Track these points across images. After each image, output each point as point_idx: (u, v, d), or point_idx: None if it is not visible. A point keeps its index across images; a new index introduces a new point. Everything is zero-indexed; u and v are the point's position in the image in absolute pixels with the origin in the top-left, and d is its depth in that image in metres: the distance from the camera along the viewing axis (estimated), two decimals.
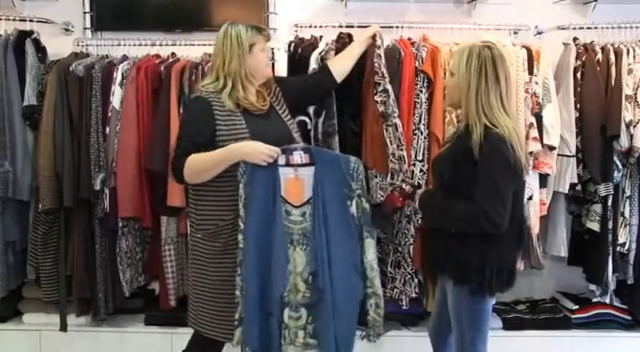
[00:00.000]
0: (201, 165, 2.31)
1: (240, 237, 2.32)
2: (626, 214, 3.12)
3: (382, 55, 2.82)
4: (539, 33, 3.38)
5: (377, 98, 2.81)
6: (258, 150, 2.28)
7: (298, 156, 2.37)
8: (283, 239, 2.33)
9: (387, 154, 2.81)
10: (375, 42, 2.83)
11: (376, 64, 2.82)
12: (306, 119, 2.65)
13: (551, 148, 3.01)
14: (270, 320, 2.34)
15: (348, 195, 2.35)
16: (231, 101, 2.36)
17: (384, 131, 2.80)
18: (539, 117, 2.97)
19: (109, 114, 2.98)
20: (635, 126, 2.99)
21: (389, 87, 2.80)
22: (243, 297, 2.32)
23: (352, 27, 3.13)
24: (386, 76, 2.80)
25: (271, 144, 2.32)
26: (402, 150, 2.81)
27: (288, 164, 2.36)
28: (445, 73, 2.88)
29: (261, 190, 2.33)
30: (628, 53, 3.05)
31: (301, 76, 2.87)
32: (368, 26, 3.13)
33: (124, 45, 3.20)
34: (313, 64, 2.87)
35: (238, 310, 2.33)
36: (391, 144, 2.80)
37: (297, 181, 2.35)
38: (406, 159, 2.83)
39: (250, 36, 2.39)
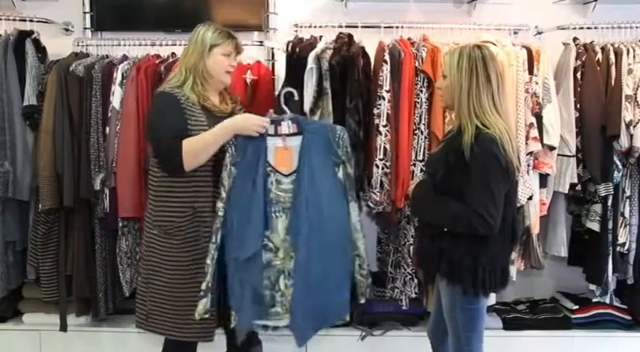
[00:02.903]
0: (199, 144, 2.31)
1: (220, 204, 2.37)
2: (626, 214, 3.12)
3: (388, 70, 2.89)
4: (539, 33, 3.38)
5: (374, 110, 2.91)
6: (250, 122, 2.36)
7: (286, 126, 2.43)
8: (261, 205, 2.36)
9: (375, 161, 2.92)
10: (383, 56, 2.89)
11: (380, 79, 2.89)
12: (293, 90, 2.64)
13: (551, 148, 3.01)
14: (253, 286, 2.37)
15: (334, 161, 2.44)
16: (194, 95, 2.38)
17: (375, 139, 2.91)
18: (539, 117, 2.97)
19: (109, 114, 2.98)
20: (635, 126, 2.99)
21: (386, 104, 2.89)
22: (213, 266, 2.35)
23: (352, 27, 3.13)
24: (388, 91, 2.90)
25: None
26: (385, 168, 2.90)
27: (276, 134, 2.43)
28: None
29: (249, 159, 2.39)
30: (628, 53, 3.05)
31: None
32: (368, 26, 3.15)
33: (124, 45, 3.20)
34: (311, 64, 2.87)
35: (206, 280, 2.35)
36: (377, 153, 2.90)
37: (285, 150, 2.42)
38: (385, 184, 2.91)
39: (214, 37, 2.42)
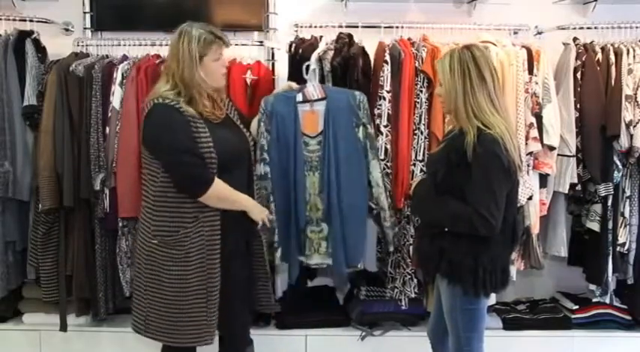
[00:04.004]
0: (227, 197, 2.35)
1: (267, 168, 2.70)
2: (626, 214, 3.12)
3: (389, 71, 2.91)
4: (539, 33, 3.37)
5: (375, 111, 2.91)
6: (261, 214, 2.44)
7: (312, 88, 2.73)
8: (303, 171, 2.72)
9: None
10: (384, 57, 2.89)
11: (381, 79, 2.90)
12: (314, 65, 2.83)
13: (551, 148, 3.01)
14: (290, 238, 2.76)
15: (356, 122, 2.73)
16: (191, 108, 2.32)
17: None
18: (539, 117, 2.97)
19: (109, 114, 2.98)
20: (635, 126, 2.99)
21: (387, 105, 2.91)
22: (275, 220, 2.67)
23: (352, 27, 3.13)
24: (389, 92, 2.92)
25: (233, 151, 2.41)
26: (387, 168, 2.91)
27: (305, 100, 2.72)
28: None
29: (282, 126, 2.68)
30: (628, 53, 3.05)
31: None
32: (368, 26, 3.15)
33: (124, 45, 3.19)
34: (313, 65, 2.86)
35: (276, 232, 2.73)
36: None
37: (312, 114, 2.72)
38: (387, 184, 2.91)
39: (202, 47, 2.33)
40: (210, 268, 2.34)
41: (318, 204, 2.77)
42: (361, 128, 2.74)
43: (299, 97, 2.72)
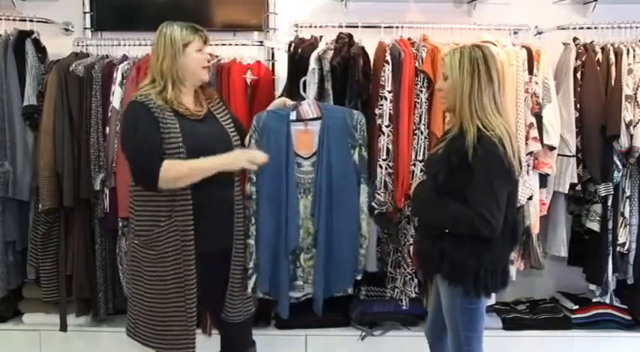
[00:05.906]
0: (189, 172, 2.25)
1: (253, 188, 2.55)
2: (626, 214, 3.12)
3: (390, 71, 2.89)
4: (539, 33, 3.38)
5: (376, 111, 2.91)
6: (244, 154, 2.36)
7: (307, 106, 2.61)
8: (295, 192, 2.58)
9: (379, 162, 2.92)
10: (385, 57, 2.89)
11: (382, 79, 2.90)
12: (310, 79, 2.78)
13: (551, 148, 3.01)
14: (280, 266, 2.60)
15: (351, 144, 2.63)
16: (162, 100, 2.29)
17: (377, 139, 2.91)
18: (539, 117, 2.97)
19: (109, 114, 2.98)
20: (635, 126, 2.99)
21: (388, 105, 2.89)
22: (257, 245, 2.56)
23: (352, 27, 3.13)
24: (390, 92, 2.90)
25: (208, 147, 2.30)
26: (389, 168, 2.90)
27: (299, 119, 2.60)
28: None
29: (274, 144, 2.55)
30: (628, 53, 3.05)
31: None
32: (368, 26, 3.15)
33: (124, 45, 3.20)
34: (313, 64, 2.86)
35: (252, 258, 2.56)
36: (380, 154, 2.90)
37: (306, 133, 2.60)
38: (389, 184, 2.91)
39: (184, 35, 2.34)
40: (186, 269, 2.31)
41: (310, 229, 2.64)
42: (357, 150, 2.63)
43: (292, 116, 2.58)
